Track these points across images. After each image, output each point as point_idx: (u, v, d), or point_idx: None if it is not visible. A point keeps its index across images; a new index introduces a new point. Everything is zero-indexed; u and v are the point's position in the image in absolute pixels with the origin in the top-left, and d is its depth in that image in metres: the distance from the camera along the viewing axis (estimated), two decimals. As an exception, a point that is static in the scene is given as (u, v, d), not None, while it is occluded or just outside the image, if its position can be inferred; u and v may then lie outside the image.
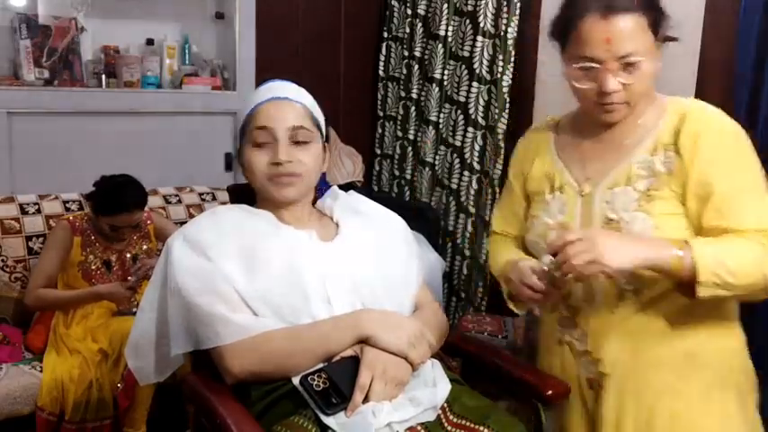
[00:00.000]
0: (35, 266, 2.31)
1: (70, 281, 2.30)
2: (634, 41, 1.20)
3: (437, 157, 3.21)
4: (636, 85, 1.23)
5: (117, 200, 2.28)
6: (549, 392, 1.32)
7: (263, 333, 1.19)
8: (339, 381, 1.13)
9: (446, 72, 3.13)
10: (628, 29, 1.20)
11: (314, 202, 1.45)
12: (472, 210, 3.07)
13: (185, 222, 1.39)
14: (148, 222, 2.48)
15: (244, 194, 1.45)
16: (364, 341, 1.20)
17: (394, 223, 1.47)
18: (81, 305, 2.27)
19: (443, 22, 3.09)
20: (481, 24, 2.93)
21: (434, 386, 1.21)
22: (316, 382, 1.12)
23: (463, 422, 1.18)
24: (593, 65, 1.23)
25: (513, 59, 2.86)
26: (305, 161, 1.31)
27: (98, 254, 2.33)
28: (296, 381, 1.16)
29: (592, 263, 1.16)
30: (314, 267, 1.27)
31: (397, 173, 3.42)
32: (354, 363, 1.17)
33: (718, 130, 1.27)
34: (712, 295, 1.18)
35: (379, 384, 1.13)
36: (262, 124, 1.31)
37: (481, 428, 1.16)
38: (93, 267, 2.32)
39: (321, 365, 1.17)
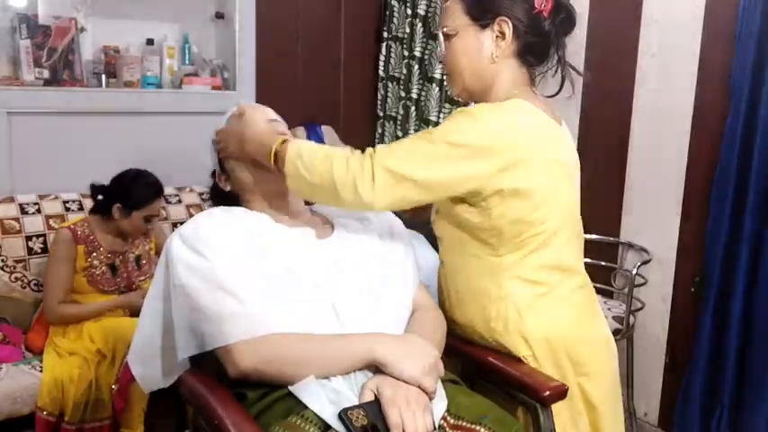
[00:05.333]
0: (47, 282, 2.29)
1: (76, 287, 2.29)
2: (447, 17, 1.40)
3: (437, 157, 3.20)
4: (446, 61, 1.42)
5: (150, 187, 2.32)
6: (547, 393, 1.32)
7: (274, 335, 1.18)
8: (378, 421, 1.10)
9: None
10: (446, 7, 1.42)
11: (313, 203, 1.46)
12: (472, 210, 3.06)
13: (184, 223, 1.39)
14: None
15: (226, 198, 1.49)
16: (376, 366, 1.18)
17: (390, 222, 1.48)
18: (102, 316, 2.27)
19: (443, 21, 3.09)
20: (481, 24, 2.93)
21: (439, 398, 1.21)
22: (356, 418, 1.09)
23: (461, 423, 1.18)
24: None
25: (512, 59, 2.85)
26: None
27: (102, 258, 2.32)
28: (329, 410, 1.11)
29: None
30: (309, 265, 1.27)
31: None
32: (379, 404, 1.13)
33: None
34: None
35: (410, 418, 1.10)
36: None
37: (478, 428, 1.16)
38: (99, 272, 2.31)
39: (357, 403, 1.13)
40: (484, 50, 1.37)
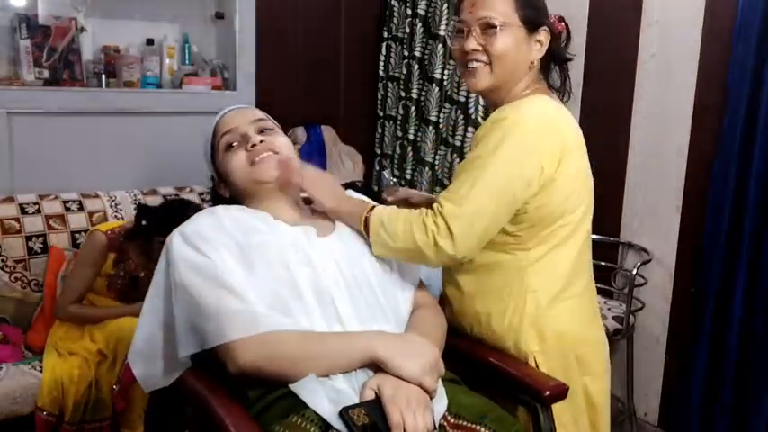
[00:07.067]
0: (68, 279, 2.28)
1: (94, 287, 2.28)
2: (494, 10, 1.37)
3: (437, 157, 3.21)
4: (493, 48, 1.37)
5: None
6: (548, 393, 1.32)
7: (274, 333, 1.18)
8: (378, 420, 1.10)
9: (446, 72, 3.12)
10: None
11: (312, 202, 1.46)
12: (472, 210, 3.06)
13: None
14: None
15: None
16: (376, 364, 1.18)
17: None
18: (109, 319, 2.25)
19: (443, 21, 3.09)
20: (481, 24, 2.93)
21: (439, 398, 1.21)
22: (356, 416, 1.09)
23: (461, 422, 1.18)
24: (462, 26, 1.41)
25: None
26: (277, 143, 1.41)
27: (129, 270, 2.30)
28: (330, 409, 1.11)
29: None
30: (309, 263, 1.27)
31: (397, 173, 3.43)
32: (380, 403, 1.13)
33: None
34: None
35: (410, 418, 1.09)
36: (226, 129, 1.42)
37: (479, 428, 1.16)
38: (121, 282, 2.29)
39: (358, 402, 1.14)
40: (524, 53, 1.40)
